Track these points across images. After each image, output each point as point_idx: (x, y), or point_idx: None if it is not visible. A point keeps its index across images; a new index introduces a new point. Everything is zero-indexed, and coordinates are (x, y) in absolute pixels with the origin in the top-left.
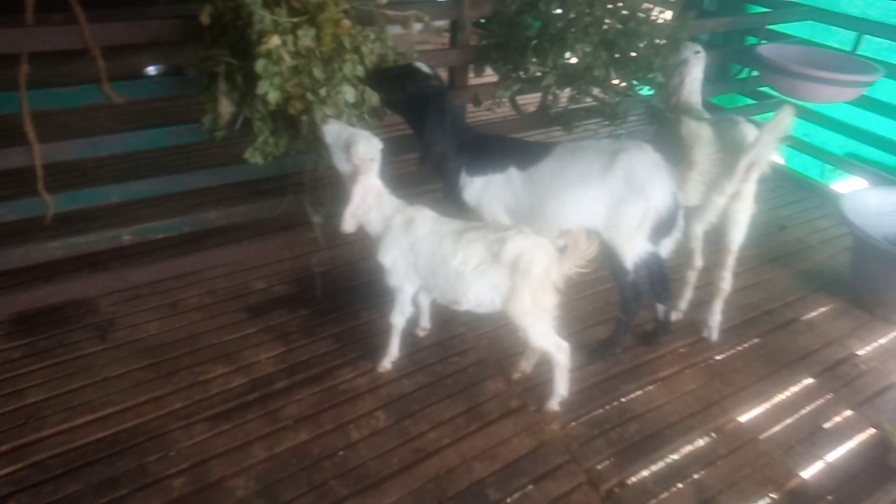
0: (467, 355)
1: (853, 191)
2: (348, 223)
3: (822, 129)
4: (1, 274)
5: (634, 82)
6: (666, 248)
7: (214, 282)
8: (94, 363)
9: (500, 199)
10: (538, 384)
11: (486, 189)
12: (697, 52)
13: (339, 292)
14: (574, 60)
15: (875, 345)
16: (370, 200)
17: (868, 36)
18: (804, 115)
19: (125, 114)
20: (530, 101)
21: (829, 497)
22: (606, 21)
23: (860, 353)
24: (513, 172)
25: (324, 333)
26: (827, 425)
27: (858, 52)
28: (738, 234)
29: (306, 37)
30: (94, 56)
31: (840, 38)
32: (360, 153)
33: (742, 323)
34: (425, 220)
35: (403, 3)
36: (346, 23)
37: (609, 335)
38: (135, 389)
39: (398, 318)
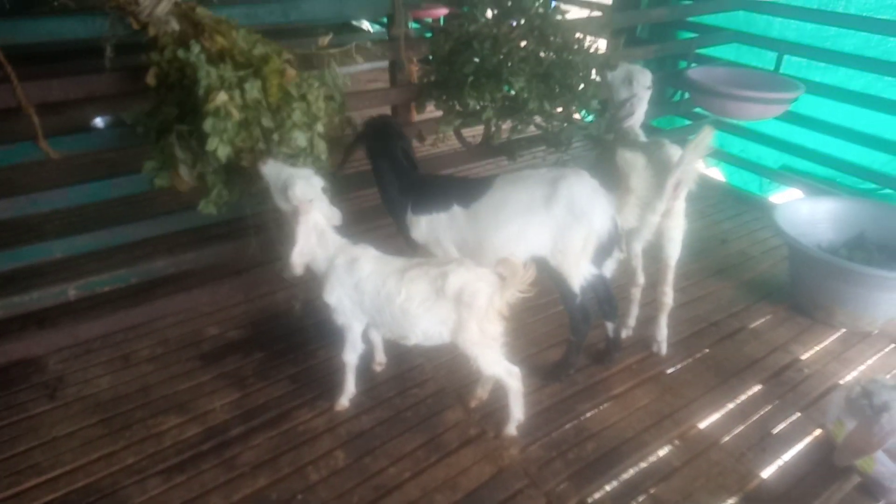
0: (426, 386)
1: (786, 202)
2: (296, 265)
3: (756, 144)
4: None
5: (577, 110)
6: (609, 268)
7: (166, 331)
8: (42, 423)
9: (446, 235)
10: (496, 409)
11: (431, 227)
12: (649, 88)
13: (296, 331)
14: (512, 93)
15: (817, 348)
16: (314, 240)
17: (788, 56)
18: (739, 132)
19: (74, 167)
20: (477, 132)
21: (781, 500)
22: (542, 54)
23: (803, 357)
24: (456, 210)
25: (280, 375)
26: (776, 430)
27: (781, 71)
28: (673, 250)
29: (253, 89)
30: (29, 114)
31: (763, 59)
32: (298, 194)
33: (690, 335)
34: (368, 260)
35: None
36: (291, 72)
37: (562, 357)
38: (86, 447)
39: (350, 356)
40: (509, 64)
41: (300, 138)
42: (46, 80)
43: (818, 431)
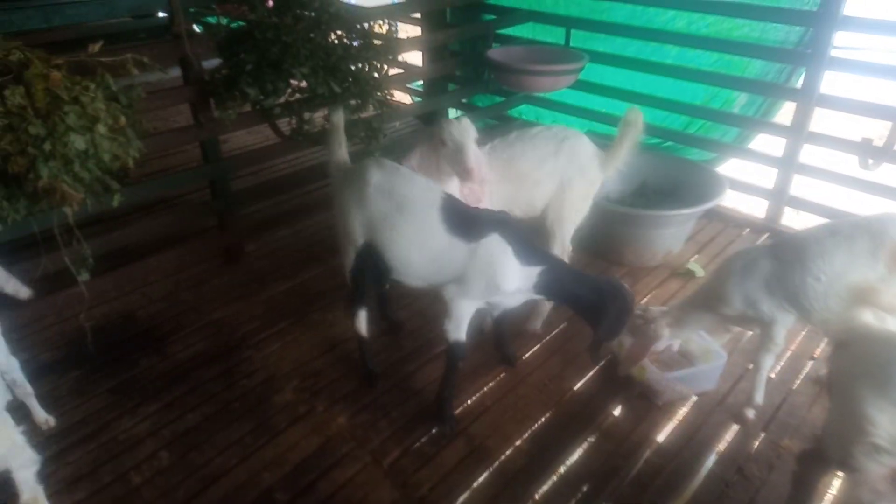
0: (254, 376)
1: None
2: None
3: (563, 115)
4: None
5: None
6: None
7: None
8: None
9: None
10: (325, 386)
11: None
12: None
13: (115, 345)
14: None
15: None
16: None
17: (575, 30)
18: (548, 105)
19: None
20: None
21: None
22: (331, 44)
23: None
24: None
25: (99, 389)
26: (577, 358)
27: (571, 45)
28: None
29: (14, 95)
30: None
31: (557, 35)
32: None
33: None
34: None
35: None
36: (56, 75)
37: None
38: None
39: None
40: (293, 55)
41: (77, 141)
42: None
43: (609, 356)
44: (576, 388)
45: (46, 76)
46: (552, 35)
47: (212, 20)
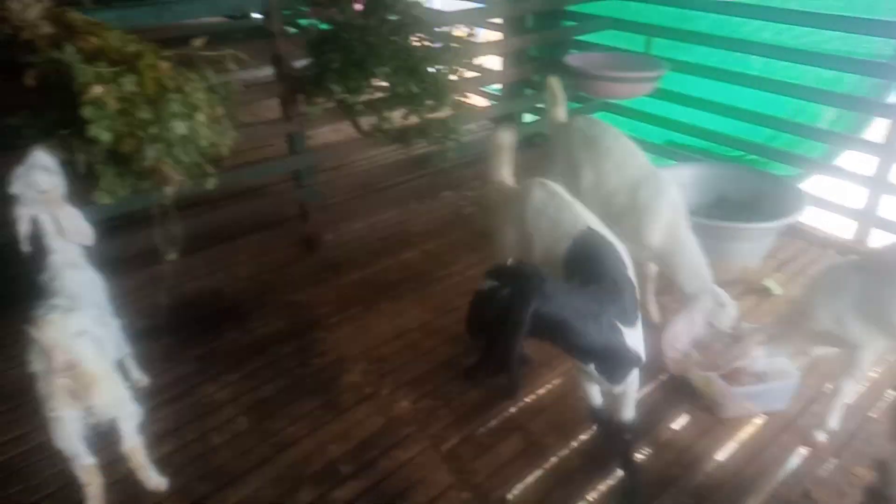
0: (327, 356)
1: None
2: None
3: (641, 123)
4: None
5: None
6: None
7: None
8: None
9: None
10: (390, 371)
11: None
12: None
13: (203, 317)
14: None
15: None
16: None
17: (657, 39)
18: (625, 112)
19: None
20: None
21: None
22: (412, 46)
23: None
24: None
25: (187, 356)
26: None
27: (651, 53)
28: None
29: (128, 83)
30: None
31: (636, 43)
32: None
33: None
34: None
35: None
36: (165, 66)
37: None
38: None
39: None
40: (377, 55)
41: (179, 126)
42: None
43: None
44: (639, 395)
45: (156, 67)
46: (631, 43)
47: (302, 22)
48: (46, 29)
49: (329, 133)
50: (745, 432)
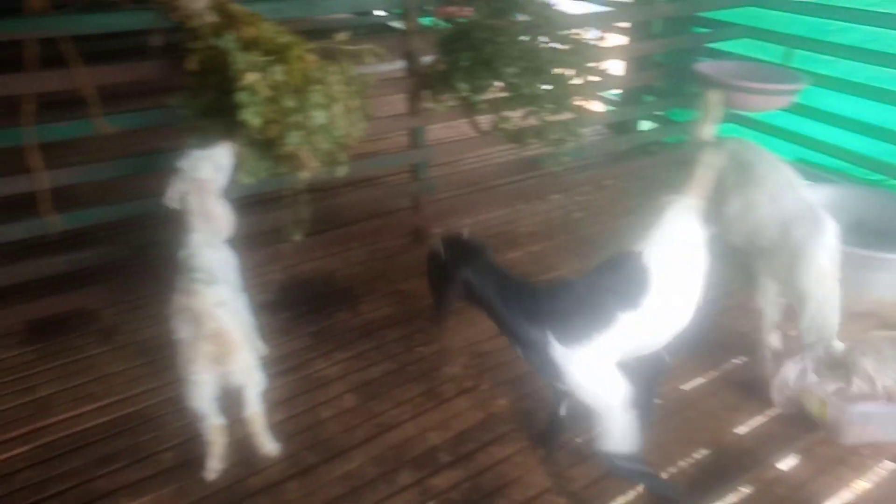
0: (430, 345)
1: None
2: None
3: (771, 137)
4: (15, 287)
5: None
6: None
7: None
8: (97, 362)
9: None
10: (491, 367)
11: None
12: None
13: (318, 296)
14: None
15: None
16: None
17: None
18: (754, 125)
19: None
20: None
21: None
22: (539, 47)
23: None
24: None
25: (302, 332)
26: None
27: (791, 65)
28: None
29: (278, 72)
30: (87, 94)
31: (773, 54)
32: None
33: None
34: None
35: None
36: (311, 58)
37: None
38: (133, 382)
39: None
40: (505, 55)
41: (320, 116)
42: (102, 67)
43: None
44: (741, 429)
45: (303, 58)
46: (763, 53)
47: (427, 21)
48: (211, 18)
49: (441, 130)
50: (872, 473)
